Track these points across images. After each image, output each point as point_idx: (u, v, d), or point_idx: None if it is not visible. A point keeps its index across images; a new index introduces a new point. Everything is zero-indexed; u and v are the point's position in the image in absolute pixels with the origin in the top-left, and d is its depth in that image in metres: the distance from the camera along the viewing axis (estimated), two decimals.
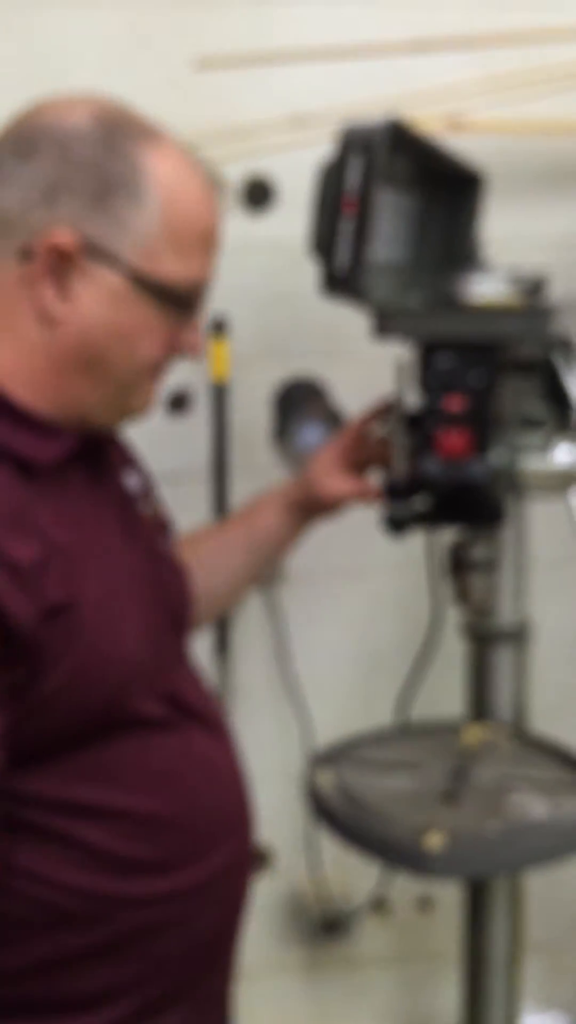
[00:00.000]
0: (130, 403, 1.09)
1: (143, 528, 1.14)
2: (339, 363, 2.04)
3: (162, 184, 0.97)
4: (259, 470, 2.04)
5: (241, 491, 2.07)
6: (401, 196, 1.40)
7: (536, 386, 1.43)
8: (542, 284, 1.41)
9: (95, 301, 0.97)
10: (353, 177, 1.10)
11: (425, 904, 2.28)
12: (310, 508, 1.37)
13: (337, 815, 1.23)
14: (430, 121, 1.85)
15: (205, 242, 1.03)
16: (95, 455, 1.09)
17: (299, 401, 1.39)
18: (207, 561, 1.35)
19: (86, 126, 0.95)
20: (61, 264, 0.95)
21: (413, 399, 1.21)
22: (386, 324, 1.13)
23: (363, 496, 1.32)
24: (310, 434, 1.33)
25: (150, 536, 1.15)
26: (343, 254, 1.11)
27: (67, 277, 0.95)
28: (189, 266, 1.01)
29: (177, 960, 1.05)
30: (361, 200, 1.09)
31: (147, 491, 1.23)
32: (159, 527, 1.21)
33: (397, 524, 1.21)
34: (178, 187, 0.99)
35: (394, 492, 1.20)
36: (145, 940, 1.01)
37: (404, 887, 2.22)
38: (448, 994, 2.32)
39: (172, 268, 0.99)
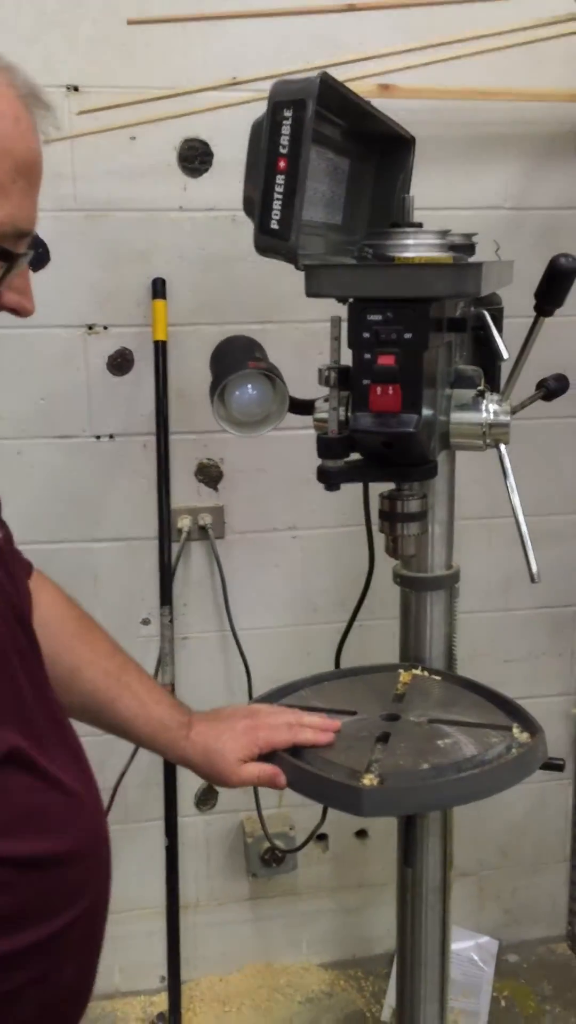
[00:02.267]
0: None
1: None
2: (277, 323, 2.00)
3: None
4: (201, 427, 2.00)
5: (183, 447, 2.03)
6: (332, 156, 1.35)
7: (466, 343, 1.41)
8: (471, 243, 1.38)
9: None
10: (284, 134, 1.05)
11: (361, 836, 2.30)
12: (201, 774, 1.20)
13: (275, 757, 1.20)
14: (362, 84, 1.80)
15: (24, 176, 0.81)
16: None
17: (234, 358, 1.34)
18: (83, 672, 1.15)
19: None
20: None
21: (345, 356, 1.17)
22: (316, 282, 1.08)
23: (268, 783, 1.17)
24: (245, 391, 1.28)
25: None
26: (274, 213, 1.07)
27: None
28: (8, 207, 0.80)
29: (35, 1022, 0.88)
30: (292, 158, 1.05)
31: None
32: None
33: (331, 478, 1.18)
34: None
35: (328, 447, 1.17)
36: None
37: (342, 820, 2.23)
38: (384, 920, 2.35)
39: None
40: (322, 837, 2.28)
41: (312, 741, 1.19)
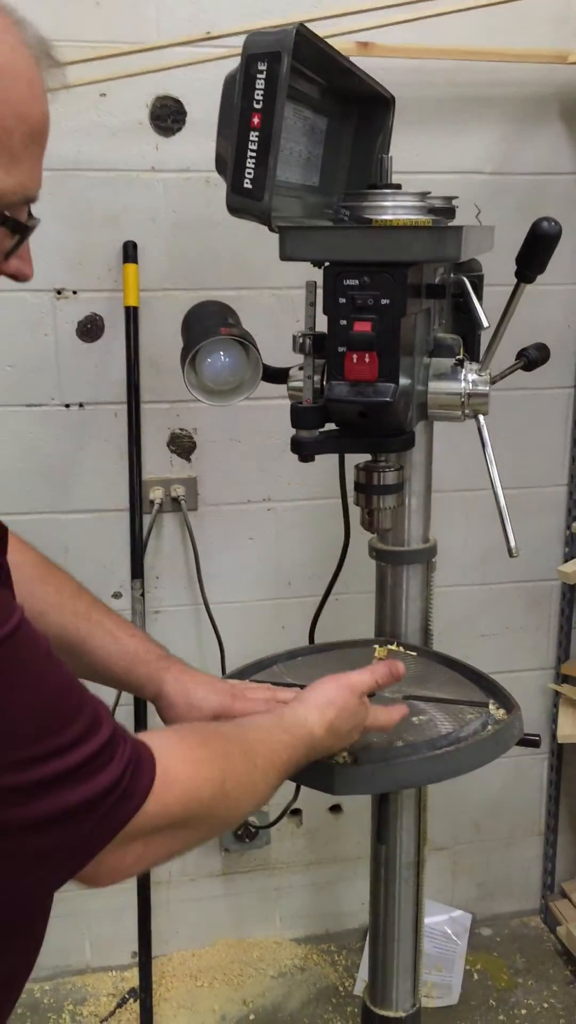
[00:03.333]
0: None
1: None
2: (252, 289, 1.96)
3: None
4: (173, 396, 1.96)
5: (155, 417, 1.99)
6: (309, 115, 1.31)
7: (446, 311, 1.38)
8: (451, 207, 1.35)
9: None
10: (258, 88, 1.01)
11: (335, 811, 2.30)
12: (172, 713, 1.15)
13: None
14: (340, 42, 1.75)
15: (36, 141, 0.78)
16: None
17: (206, 324, 1.31)
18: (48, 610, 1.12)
19: None
20: None
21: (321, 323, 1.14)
22: (290, 245, 1.05)
23: None
24: (218, 358, 1.25)
25: None
26: (247, 171, 1.03)
27: None
28: (17, 175, 0.77)
29: None
30: (266, 114, 1.01)
31: None
32: None
33: (305, 448, 1.15)
34: (3, 69, 0.73)
35: (302, 417, 1.14)
36: None
37: (316, 796, 2.22)
38: (357, 895, 2.36)
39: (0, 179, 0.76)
40: (296, 812, 2.27)
41: None
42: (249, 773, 0.95)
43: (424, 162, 1.95)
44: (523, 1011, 2.15)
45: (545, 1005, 2.17)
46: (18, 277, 0.85)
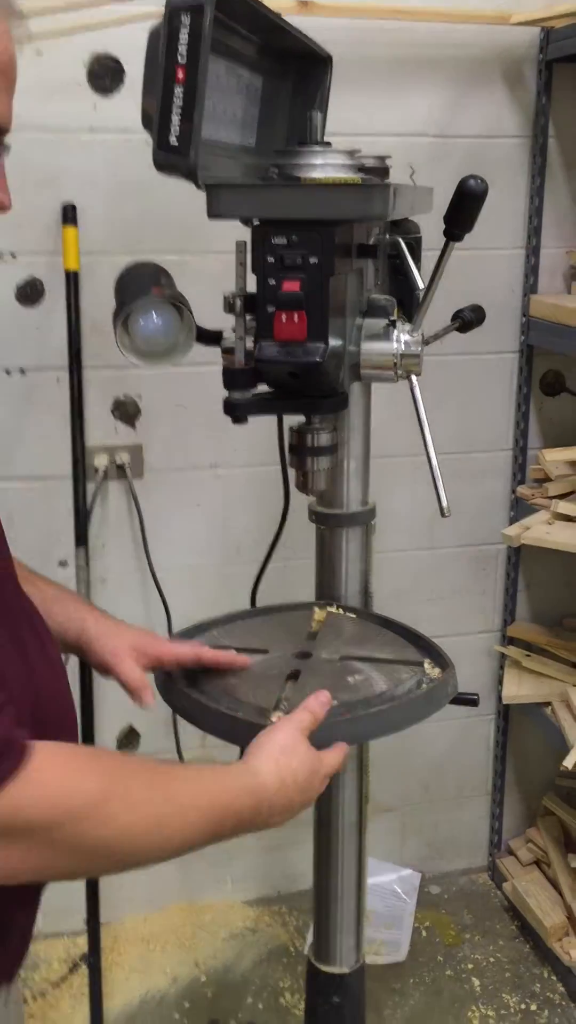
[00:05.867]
0: None
1: None
2: (195, 253, 1.94)
3: None
4: (117, 361, 1.94)
5: (99, 383, 1.97)
6: (244, 73, 1.30)
7: (382, 273, 1.38)
8: (384, 167, 1.34)
9: None
10: (181, 42, 0.99)
11: None
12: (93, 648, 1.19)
13: (183, 698, 1.19)
14: (279, 1, 1.73)
15: (4, 75, 0.88)
16: None
17: (138, 285, 1.29)
18: None
19: None
20: None
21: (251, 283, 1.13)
22: (218, 202, 1.04)
23: (136, 690, 1.17)
24: (150, 320, 1.24)
25: None
26: (173, 127, 1.01)
27: None
28: None
29: None
30: (190, 67, 0.99)
31: None
32: None
33: (238, 410, 1.15)
34: None
35: (234, 378, 1.13)
36: None
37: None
38: (308, 857, 2.38)
39: None
40: None
41: (213, 659, 1.22)
42: (150, 803, 0.88)
43: (367, 125, 1.94)
44: (470, 966, 2.20)
45: (491, 960, 2.21)
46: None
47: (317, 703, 1.10)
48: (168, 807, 0.90)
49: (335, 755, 1.10)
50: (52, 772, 0.81)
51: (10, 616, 0.96)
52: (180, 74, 1.00)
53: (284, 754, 1.02)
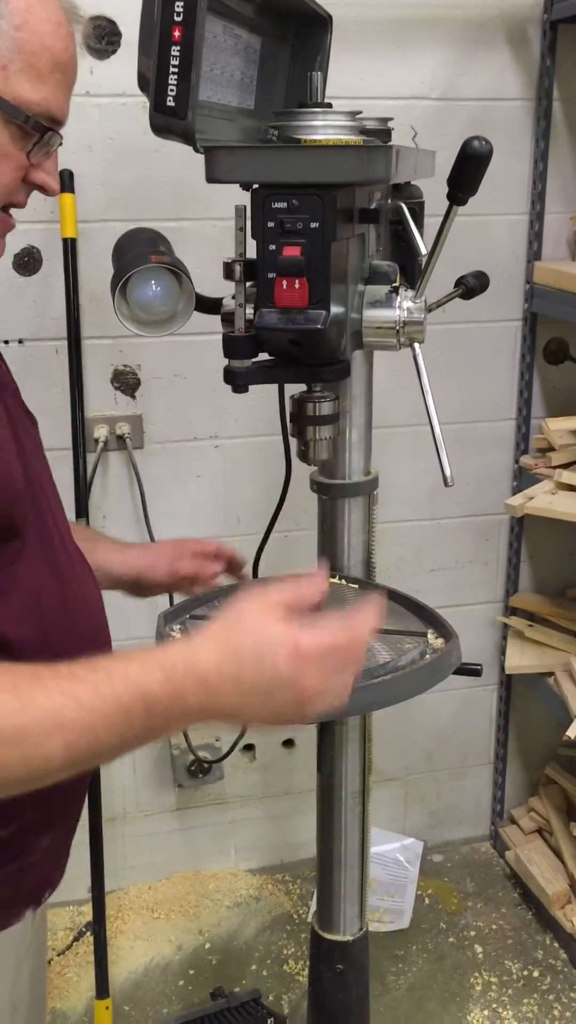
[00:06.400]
0: None
1: None
2: (193, 220, 1.92)
3: (16, 3, 0.91)
4: (116, 331, 1.92)
5: (98, 353, 1.95)
6: (242, 33, 1.27)
7: (384, 239, 1.35)
8: (386, 129, 1.31)
9: None
10: (178, 1, 0.97)
11: (288, 745, 2.33)
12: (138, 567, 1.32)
13: None
14: None
15: (61, 71, 0.95)
16: None
17: (136, 252, 1.27)
18: None
19: None
20: None
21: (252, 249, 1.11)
22: (216, 166, 1.01)
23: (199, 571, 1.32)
24: (148, 287, 1.22)
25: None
26: (170, 88, 0.99)
27: None
28: (42, 92, 0.93)
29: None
30: (187, 26, 0.97)
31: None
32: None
33: (238, 379, 1.13)
34: (34, 7, 0.92)
35: (234, 346, 1.12)
36: None
37: (269, 731, 2.25)
38: (311, 826, 2.39)
39: (24, 90, 0.92)
40: (250, 747, 2.30)
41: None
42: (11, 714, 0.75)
43: (367, 86, 1.91)
44: (472, 933, 2.21)
45: (494, 927, 2.23)
46: (45, 189, 1.00)
47: (309, 582, 0.88)
48: (26, 717, 0.76)
49: (359, 625, 0.83)
50: None
51: (47, 536, 1.02)
52: (177, 33, 0.98)
53: (238, 620, 0.81)
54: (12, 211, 1.02)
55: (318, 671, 0.80)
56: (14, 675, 0.78)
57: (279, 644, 0.79)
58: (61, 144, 1.00)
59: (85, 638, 1.02)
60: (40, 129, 0.94)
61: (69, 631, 1.01)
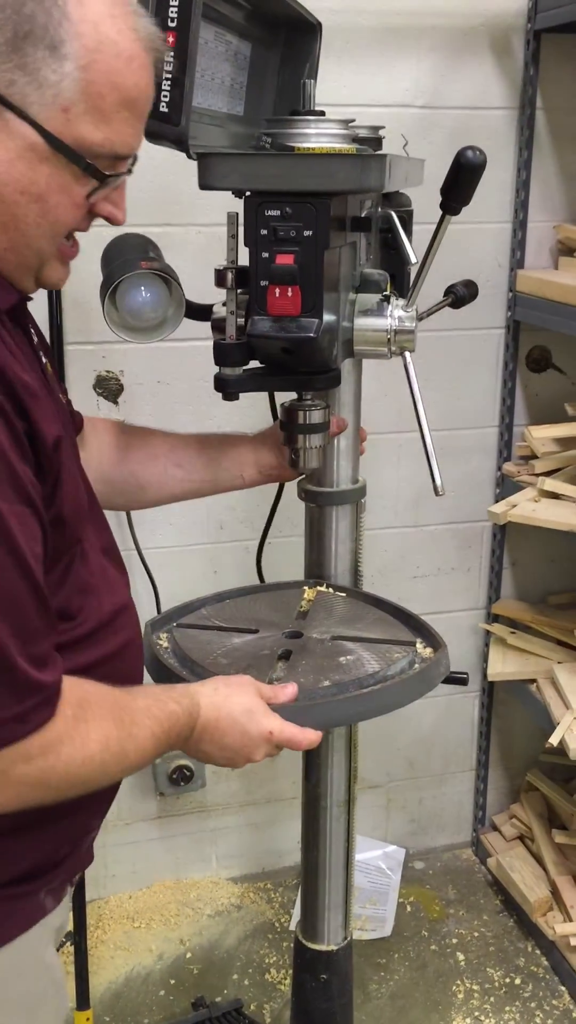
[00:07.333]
0: (45, 275, 0.97)
1: (49, 377, 1.06)
2: (178, 226, 1.91)
3: (86, 38, 0.85)
4: (99, 337, 1.91)
5: (80, 359, 1.94)
6: (233, 39, 1.26)
7: (374, 247, 1.35)
8: (378, 137, 1.31)
9: (8, 153, 0.87)
10: (172, 6, 0.96)
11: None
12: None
13: (172, 676, 1.18)
14: None
15: (128, 108, 0.90)
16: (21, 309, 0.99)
17: (126, 258, 1.26)
18: (170, 468, 1.40)
19: None
20: None
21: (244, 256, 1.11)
22: (209, 172, 1.01)
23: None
24: (139, 293, 1.21)
25: (54, 384, 1.09)
26: (163, 94, 0.98)
27: None
28: (105, 131, 0.89)
29: None
30: (180, 32, 0.96)
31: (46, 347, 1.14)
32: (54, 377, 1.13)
33: (228, 386, 1.13)
34: (105, 44, 0.86)
35: (225, 354, 1.11)
36: None
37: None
38: (294, 834, 2.38)
39: (86, 131, 0.87)
40: None
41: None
42: (118, 740, 0.96)
43: (354, 95, 1.91)
44: (454, 940, 2.21)
45: (476, 934, 2.23)
46: (111, 220, 0.99)
47: (283, 690, 1.11)
48: (130, 742, 0.97)
49: (294, 728, 1.08)
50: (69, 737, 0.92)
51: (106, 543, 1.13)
52: (170, 39, 0.97)
53: (228, 686, 1.07)
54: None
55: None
56: (116, 707, 0.98)
57: (257, 723, 1.06)
58: (131, 173, 0.97)
59: (120, 636, 1.11)
60: (99, 176, 0.91)
61: (112, 625, 1.09)
